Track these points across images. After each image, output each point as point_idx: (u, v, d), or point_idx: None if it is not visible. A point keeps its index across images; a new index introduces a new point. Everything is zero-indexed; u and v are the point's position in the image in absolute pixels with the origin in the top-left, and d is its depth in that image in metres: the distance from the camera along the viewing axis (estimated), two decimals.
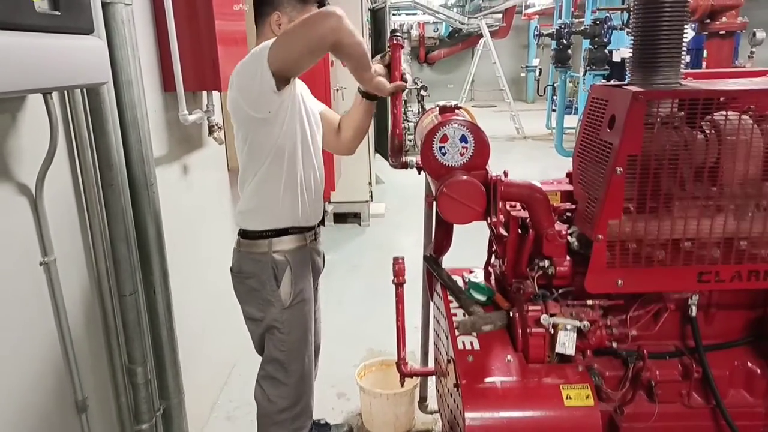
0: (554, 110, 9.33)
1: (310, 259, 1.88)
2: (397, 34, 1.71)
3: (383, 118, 6.39)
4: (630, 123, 1.26)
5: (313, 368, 2.00)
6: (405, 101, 10.41)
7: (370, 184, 5.57)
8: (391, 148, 1.74)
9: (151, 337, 1.91)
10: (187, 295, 2.26)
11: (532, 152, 9.20)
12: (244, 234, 1.81)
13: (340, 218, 5.57)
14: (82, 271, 1.62)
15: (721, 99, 1.28)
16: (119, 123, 1.71)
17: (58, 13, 1.16)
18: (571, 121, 8.07)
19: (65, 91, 1.48)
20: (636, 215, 1.33)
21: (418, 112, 7.19)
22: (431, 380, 2.42)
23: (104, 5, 1.62)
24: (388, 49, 1.72)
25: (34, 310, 1.41)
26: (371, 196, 5.62)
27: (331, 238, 4.97)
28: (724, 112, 1.30)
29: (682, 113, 1.30)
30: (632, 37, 1.39)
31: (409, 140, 9.34)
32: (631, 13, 1.40)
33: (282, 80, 1.56)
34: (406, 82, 1.68)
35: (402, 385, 2.20)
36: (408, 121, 9.98)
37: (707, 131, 1.32)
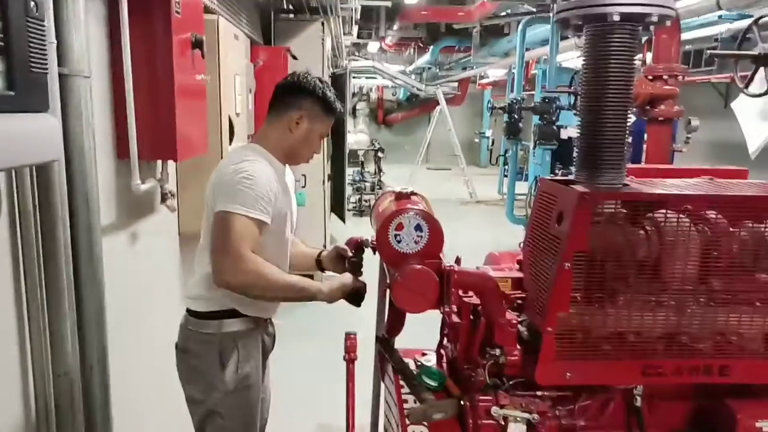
0: (506, 176, 9.65)
1: (261, 341, 1.83)
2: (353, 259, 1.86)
3: (340, 181, 6.46)
4: (577, 221, 1.31)
5: None
6: (362, 162, 10.62)
7: (325, 246, 5.55)
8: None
9: (85, 419, 1.79)
10: (126, 371, 2.14)
11: (485, 217, 9.43)
12: (193, 313, 1.75)
13: None
14: (14, 350, 1.53)
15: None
16: (67, 193, 1.67)
17: (12, 93, 1.14)
18: (522, 187, 8.35)
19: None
20: (583, 308, 1.37)
21: (375, 172, 7.31)
22: None
23: (62, 77, 1.61)
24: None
25: None
26: None
27: None
28: (663, 212, 1.38)
29: (625, 212, 1.36)
30: (578, 138, 1.46)
31: (365, 201, 9.46)
32: (576, 115, 1.49)
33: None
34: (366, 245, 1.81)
35: None
36: (365, 181, 10.13)
37: (648, 229, 1.39)
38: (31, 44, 1.20)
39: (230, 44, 2.98)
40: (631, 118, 1.44)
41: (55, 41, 1.55)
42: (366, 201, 9.41)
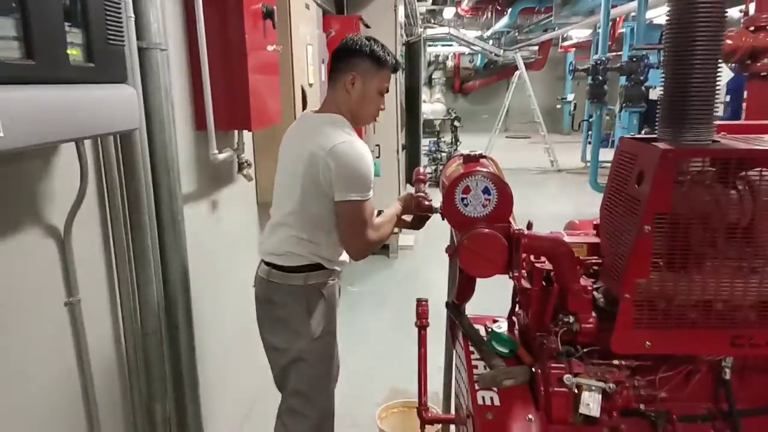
0: (590, 143, 9.21)
1: (337, 292, 1.94)
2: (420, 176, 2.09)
3: (415, 151, 6.42)
4: (658, 181, 1.22)
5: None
6: (438, 131, 10.49)
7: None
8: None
9: (172, 375, 1.91)
10: (208, 331, 2.27)
11: (566, 186, 9.08)
12: (278, 267, 1.82)
13: None
14: (106, 310, 1.65)
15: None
16: (150, 163, 1.76)
17: (92, 64, 1.20)
18: (607, 154, 7.94)
19: (98, 137, 1.53)
20: (665, 274, 1.29)
21: (451, 142, 7.22)
22: (453, 426, 2.36)
23: (140, 50, 1.68)
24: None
25: (56, 349, 1.44)
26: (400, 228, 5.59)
27: (358, 269, 4.94)
28: (758, 170, 1.25)
29: (714, 171, 1.25)
30: (661, 90, 1.36)
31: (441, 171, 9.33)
32: (662, 66, 1.37)
33: None
34: (435, 211, 1.89)
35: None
36: (441, 152, 10.01)
37: (741, 189, 1.27)
38: (108, 18, 1.25)
39: (301, 14, 2.99)
40: (722, 68, 1.31)
41: (133, 15, 1.62)
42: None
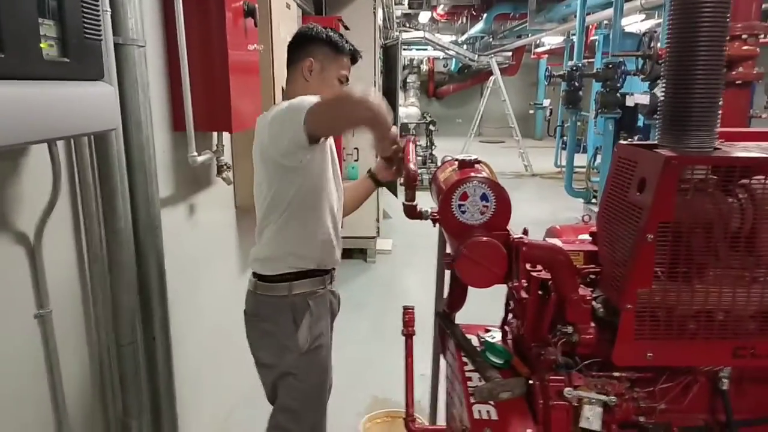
0: (563, 148, 9.30)
1: (329, 301, 1.84)
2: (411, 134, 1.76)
3: None
4: (662, 189, 1.19)
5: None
6: (413, 134, 10.47)
7: (378, 219, 5.51)
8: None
9: (149, 389, 1.82)
10: (186, 341, 2.17)
11: (541, 191, 9.15)
12: (261, 277, 1.74)
13: (346, 254, 5.45)
14: (79, 321, 1.55)
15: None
16: (126, 165, 1.66)
17: (67, 60, 1.11)
18: (581, 160, 8.03)
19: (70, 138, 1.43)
20: (667, 284, 1.26)
21: (427, 146, 7.18)
22: None
23: (117, 47, 1.59)
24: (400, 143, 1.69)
25: (25, 364, 1.33)
26: (378, 232, 5.54)
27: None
28: (760, 178, 1.24)
29: (716, 178, 1.23)
30: (663, 96, 1.33)
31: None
32: (662, 71, 1.35)
33: (315, 139, 1.55)
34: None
35: None
36: (416, 155, 10.00)
37: (741, 197, 1.25)
38: (85, 11, 1.17)
39: (282, 13, 2.92)
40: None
41: (110, 10, 1.53)
42: (418, 175, 9.27)
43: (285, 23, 2.97)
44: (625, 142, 1.45)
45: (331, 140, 1.85)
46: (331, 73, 1.78)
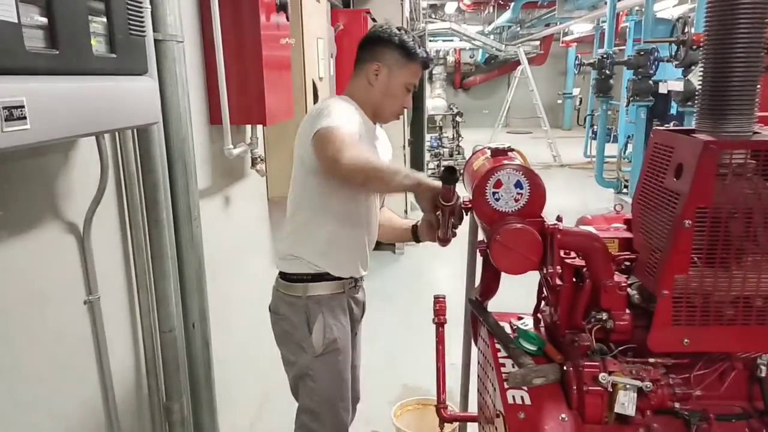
0: (593, 138, 9.16)
1: (347, 306, 1.80)
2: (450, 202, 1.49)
3: (419, 147, 6.39)
4: (700, 174, 1.18)
5: (350, 420, 1.90)
6: (440, 127, 10.43)
7: (406, 211, 5.53)
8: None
9: (188, 374, 1.88)
10: (222, 329, 2.23)
11: (571, 181, 9.04)
12: (282, 275, 1.76)
13: (374, 245, 5.52)
14: (125, 308, 1.61)
15: None
16: (166, 158, 1.72)
17: (114, 55, 1.16)
18: (612, 149, 7.91)
19: (117, 132, 1.49)
20: (705, 270, 1.25)
21: (453, 138, 7.15)
22: (471, 425, 2.33)
23: (157, 42, 1.64)
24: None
25: (76, 348, 1.40)
26: None
27: None
28: None
29: (756, 163, 1.22)
30: (701, 81, 1.32)
31: (443, 167, 9.28)
32: (699, 57, 1.33)
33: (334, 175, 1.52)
34: (454, 236, 1.59)
35: (441, 430, 2.12)
36: (443, 147, 9.96)
37: None
38: (129, 7, 1.21)
39: (313, 6, 2.95)
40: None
41: (150, 6, 1.58)
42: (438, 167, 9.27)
43: (315, 16, 3.00)
44: (661, 128, 1.44)
45: (381, 143, 1.83)
46: (398, 80, 1.69)
